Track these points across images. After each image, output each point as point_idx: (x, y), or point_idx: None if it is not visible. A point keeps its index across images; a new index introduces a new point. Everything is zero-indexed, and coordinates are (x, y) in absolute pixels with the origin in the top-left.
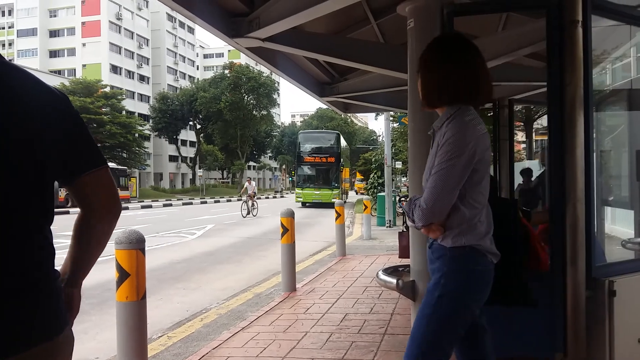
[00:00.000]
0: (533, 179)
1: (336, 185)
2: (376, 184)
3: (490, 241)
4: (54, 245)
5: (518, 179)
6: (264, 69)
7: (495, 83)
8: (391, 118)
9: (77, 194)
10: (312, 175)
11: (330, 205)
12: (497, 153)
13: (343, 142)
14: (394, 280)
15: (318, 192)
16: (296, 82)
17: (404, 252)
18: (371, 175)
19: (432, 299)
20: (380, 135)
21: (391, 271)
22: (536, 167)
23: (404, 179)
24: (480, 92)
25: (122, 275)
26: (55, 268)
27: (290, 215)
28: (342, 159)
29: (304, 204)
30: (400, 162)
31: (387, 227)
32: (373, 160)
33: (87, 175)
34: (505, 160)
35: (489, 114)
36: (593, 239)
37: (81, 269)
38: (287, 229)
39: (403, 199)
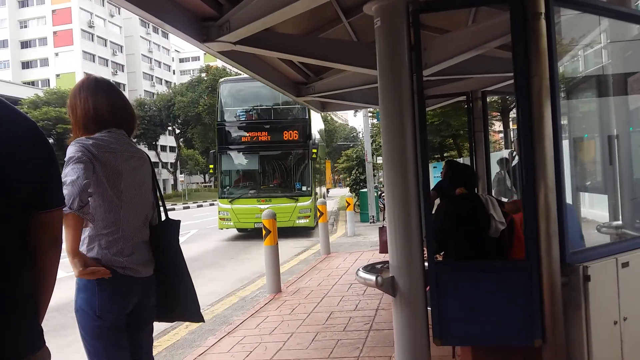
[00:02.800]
0: (512, 165)
1: (305, 189)
2: (358, 180)
3: (125, 255)
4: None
5: (495, 169)
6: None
7: (468, 76)
8: (370, 114)
9: (30, 227)
10: (253, 171)
11: (296, 232)
12: (473, 144)
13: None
14: (373, 278)
15: (266, 207)
16: (271, 83)
17: (384, 248)
18: (352, 172)
19: (75, 315)
20: (360, 132)
21: (370, 268)
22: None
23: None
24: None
25: None
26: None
27: (272, 216)
28: (314, 138)
29: (240, 231)
30: (381, 158)
31: (370, 222)
32: (354, 156)
33: (47, 213)
34: (481, 151)
35: (464, 106)
36: (566, 226)
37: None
38: (270, 231)
39: (384, 194)
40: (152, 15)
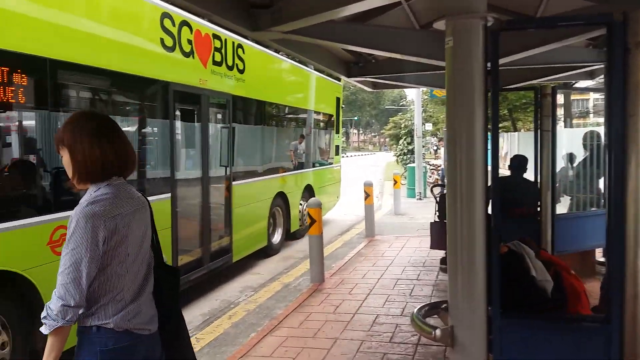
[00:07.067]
0: (574, 165)
1: None
2: (405, 151)
3: (128, 318)
4: None
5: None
6: None
7: (540, 65)
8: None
9: None
10: None
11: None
12: (539, 144)
13: None
14: (430, 330)
15: None
16: (321, 64)
17: (434, 244)
18: (400, 141)
19: None
20: (409, 99)
21: (428, 308)
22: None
23: (434, 139)
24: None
25: None
26: None
27: (318, 205)
28: None
29: None
30: (431, 124)
31: (417, 199)
32: (403, 125)
33: None
34: (547, 152)
35: (528, 109)
36: None
37: None
38: (315, 220)
39: (433, 168)
40: (196, 5)
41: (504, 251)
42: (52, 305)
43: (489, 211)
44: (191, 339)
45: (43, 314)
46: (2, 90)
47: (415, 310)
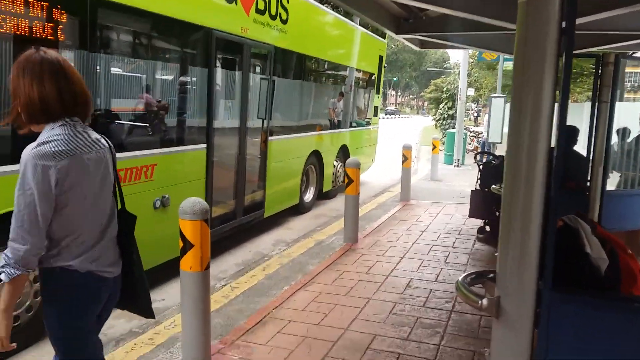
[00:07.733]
0: (628, 140)
1: None
2: (445, 116)
3: (91, 259)
4: None
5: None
6: None
7: (597, 31)
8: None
9: None
10: None
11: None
12: (596, 116)
13: None
14: (477, 299)
15: None
16: (371, 18)
17: (474, 212)
18: (441, 106)
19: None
20: (452, 61)
21: (474, 277)
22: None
23: (474, 105)
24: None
25: (187, 245)
26: None
27: (356, 165)
28: None
29: None
30: (474, 90)
31: (454, 166)
32: (445, 89)
33: None
34: (603, 125)
35: (578, 80)
36: None
37: None
38: (352, 180)
39: (473, 135)
40: None
41: (559, 225)
42: (10, 252)
43: None
44: (226, 286)
45: (1, 263)
46: (42, 26)
47: (461, 277)
